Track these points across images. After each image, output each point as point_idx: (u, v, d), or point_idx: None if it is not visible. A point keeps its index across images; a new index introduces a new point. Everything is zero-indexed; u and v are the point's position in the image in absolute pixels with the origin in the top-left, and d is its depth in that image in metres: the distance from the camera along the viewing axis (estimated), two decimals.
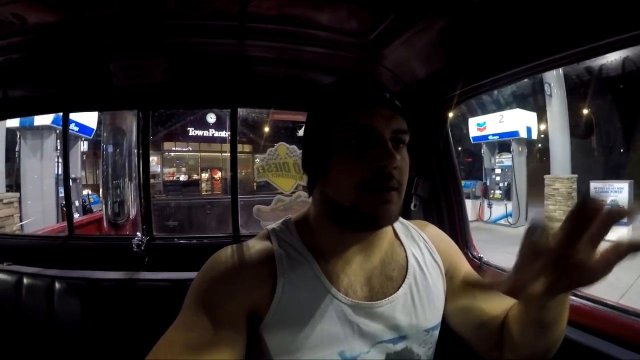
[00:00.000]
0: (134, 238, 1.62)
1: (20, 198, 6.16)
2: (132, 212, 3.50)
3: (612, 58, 8.93)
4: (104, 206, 3.71)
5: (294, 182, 1.70)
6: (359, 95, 0.69)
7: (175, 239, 1.83)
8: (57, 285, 1.45)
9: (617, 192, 8.07)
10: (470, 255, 1.51)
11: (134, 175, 3.41)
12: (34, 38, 1.32)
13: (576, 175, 9.36)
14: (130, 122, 3.25)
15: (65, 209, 2.02)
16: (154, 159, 18.24)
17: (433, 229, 0.93)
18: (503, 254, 6.93)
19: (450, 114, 1.49)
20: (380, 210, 0.66)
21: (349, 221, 0.69)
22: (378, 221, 0.67)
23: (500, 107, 11.52)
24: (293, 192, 1.73)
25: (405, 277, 0.77)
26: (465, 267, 0.88)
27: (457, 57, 1.22)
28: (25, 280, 1.46)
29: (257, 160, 1.73)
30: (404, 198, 0.70)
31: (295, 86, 1.60)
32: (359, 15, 1.18)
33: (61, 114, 2.06)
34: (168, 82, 1.49)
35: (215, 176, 18.07)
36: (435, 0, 0.97)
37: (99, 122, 7.09)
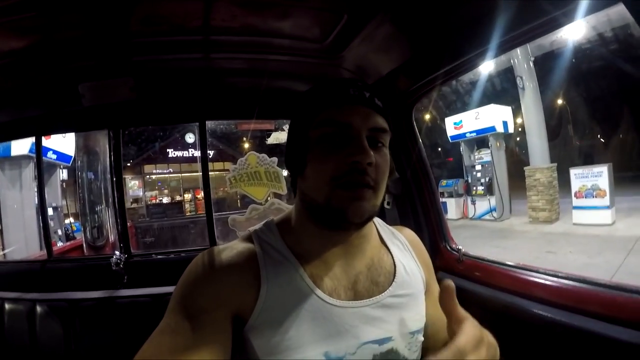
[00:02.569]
0: (112, 257, 1.61)
1: (1, 229, 6.03)
2: (112, 236, 3.45)
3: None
4: (82, 230, 3.65)
5: (267, 190, 1.71)
6: (337, 93, 0.70)
7: (153, 255, 1.82)
8: (38, 308, 1.44)
9: (596, 176, 8.22)
10: (448, 247, 1.52)
11: (110, 198, 3.37)
12: (2, 64, 1.32)
13: (555, 164, 9.55)
14: (103, 144, 3.20)
15: (43, 231, 2.00)
16: (135, 183, 18.03)
17: (412, 234, 0.94)
18: (490, 247, 7.07)
19: (427, 116, 1.53)
20: (351, 206, 0.66)
21: (322, 217, 0.70)
22: (348, 217, 0.67)
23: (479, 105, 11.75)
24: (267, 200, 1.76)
25: (392, 282, 0.77)
26: (435, 290, 0.88)
27: (413, 49, 1.26)
28: (6, 306, 1.46)
29: (229, 170, 1.73)
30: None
31: (262, 95, 1.62)
32: (315, 20, 1.22)
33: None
34: (136, 100, 1.50)
35: (198, 196, 17.83)
36: None
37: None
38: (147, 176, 19.08)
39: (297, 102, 0.77)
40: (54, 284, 1.63)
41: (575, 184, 8.47)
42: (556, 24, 0.91)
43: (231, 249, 0.73)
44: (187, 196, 18.81)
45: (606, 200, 7.97)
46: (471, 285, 1.27)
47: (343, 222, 0.68)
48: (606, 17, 7.54)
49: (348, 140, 0.67)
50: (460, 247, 1.48)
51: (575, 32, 8.58)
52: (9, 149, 6.28)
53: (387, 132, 0.72)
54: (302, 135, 0.72)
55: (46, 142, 6.54)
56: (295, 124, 0.76)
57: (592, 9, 0.82)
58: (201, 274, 0.68)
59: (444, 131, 12.56)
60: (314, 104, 0.72)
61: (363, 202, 0.66)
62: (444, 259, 1.48)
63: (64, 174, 8.13)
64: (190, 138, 17.89)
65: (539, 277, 1.09)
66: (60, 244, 6.32)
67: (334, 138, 0.68)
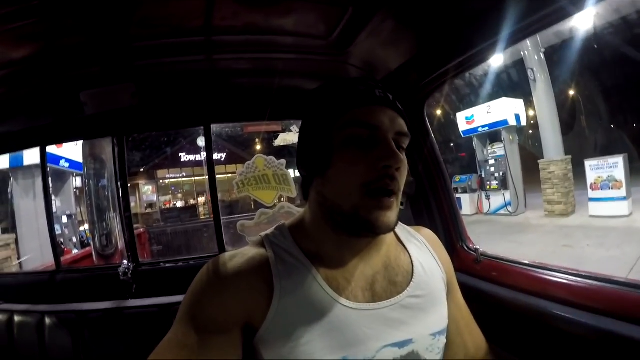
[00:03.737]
0: (120, 266, 1.60)
1: (16, 239, 6.13)
2: (121, 244, 3.47)
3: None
4: (91, 239, 3.68)
5: (276, 194, 1.68)
6: (365, 93, 0.68)
7: (162, 263, 1.81)
8: (47, 320, 1.45)
9: (612, 167, 8.07)
10: (466, 247, 1.47)
11: (118, 205, 3.39)
12: (4, 75, 1.31)
13: (570, 157, 9.41)
14: (109, 152, 3.20)
15: (51, 241, 2.01)
16: (149, 188, 18.27)
17: (430, 234, 0.91)
18: (506, 242, 6.97)
19: (439, 112, 1.49)
20: (380, 217, 0.64)
21: (347, 226, 0.68)
22: (377, 229, 0.65)
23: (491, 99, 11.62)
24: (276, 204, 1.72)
25: (410, 281, 0.74)
26: (456, 291, 0.88)
27: (422, 41, 1.21)
28: (16, 318, 1.46)
29: (236, 175, 1.71)
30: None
31: (268, 95, 1.59)
32: (320, 15, 1.18)
33: (51, 150, 2.08)
34: (139, 106, 1.48)
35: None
36: None
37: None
38: (161, 181, 19.33)
39: (315, 99, 0.74)
40: (62, 294, 1.64)
41: (591, 175, 8.33)
42: (568, 11, 0.86)
43: (242, 255, 0.71)
44: (201, 200, 19.05)
45: (622, 192, 7.83)
46: (490, 286, 1.22)
47: (370, 232, 0.67)
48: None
49: (376, 143, 0.65)
50: (477, 246, 1.42)
51: (587, 20, 8.41)
52: (21, 158, 6.41)
53: (409, 137, 0.71)
54: (325, 134, 0.68)
55: (58, 150, 6.66)
56: (316, 123, 0.72)
57: None
58: (210, 283, 0.66)
59: (456, 126, 12.46)
60: (339, 102, 0.69)
61: (390, 213, 0.65)
62: (461, 259, 1.43)
63: (77, 182, 8.25)
64: (201, 141, 18.01)
65: (562, 278, 1.04)
66: (75, 251, 6.42)
67: (363, 140, 0.65)
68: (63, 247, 6.42)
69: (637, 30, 11.92)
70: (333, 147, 0.67)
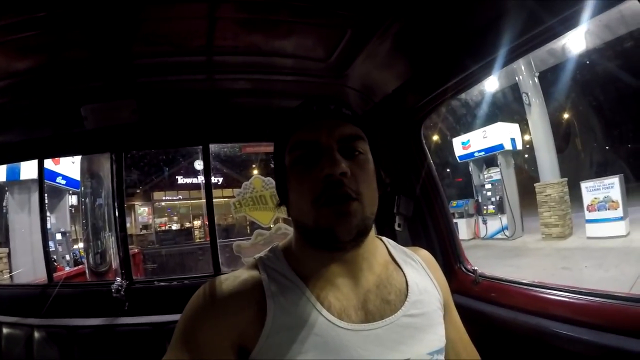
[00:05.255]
0: (113, 283, 1.57)
1: (9, 253, 6.06)
2: (114, 262, 3.42)
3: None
4: (85, 256, 3.64)
5: (273, 215, 1.68)
6: (302, 114, 0.71)
7: (155, 282, 1.78)
8: (36, 334, 1.43)
9: (608, 188, 8.16)
10: (463, 269, 1.46)
11: (114, 224, 3.36)
12: (6, 86, 1.32)
13: (566, 179, 9.48)
14: (107, 168, 3.21)
15: (44, 256, 1.99)
16: (145, 210, 18.17)
17: (427, 255, 0.90)
18: (504, 266, 6.93)
19: (435, 137, 1.51)
20: (338, 222, 0.64)
21: (315, 240, 0.69)
22: (338, 235, 0.65)
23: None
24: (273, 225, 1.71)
25: (405, 300, 0.73)
26: (453, 312, 0.87)
27: (418, 63, 1.24)
28: (4, 330, 1.45)
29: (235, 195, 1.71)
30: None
31: (267, 116, 1.60)
32: (319, 38, 1.20)
33: (48, 166, 2.08)
34: (138, 123, 1.49)
35: (207, 223, 17.86)
36: (387, 6, 0.99)
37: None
38: (157, 203, 19.26)
39: (273, 130, 0.79)
40: (53, 309, 1.61)
41: (587, 197, 8.40)
42: (562, 28, 0.88)
43: (235, 278, 0.71)
44: (197, 223, 18.96)
45: (619, 212, 7.89)
46: (489, 307, 1.21)
47: (334, 241, 0.67)
48: (619, 13, 7.50)
49: (320, 156, 0.66)
50: (475, 267, 1.41)
51: (579, 42, 8.60)
52: (18, 172, 6.38)
53: (361, 139, 0.71)
54: (280, 163, 0.73)
55: (55, 167, 6.65)
56: (274, 153, 0.77)
57: (605, 7, 0.80)
58: (203, 307, 0.67)
59: (452, 152, 12.57)
60: (283, 129, 0.73)
61: (350, 217, 0.65)
62: (459, 280, 1.42)
63: (73, 200, 8.21)
64: (199, 165, 18.05)
65: (561, 295, 1.04)
66: (67, 268, 6.33)
67: (306, 159, 0.68)
68: (56, 264, 6.34)
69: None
70: (286, 172, 0.71)
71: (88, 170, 3.38)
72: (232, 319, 0.65)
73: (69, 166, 6.95)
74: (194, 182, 19.18)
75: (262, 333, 0.64)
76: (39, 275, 5.65)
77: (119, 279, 1.61)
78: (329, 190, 0.64)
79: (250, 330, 0.64)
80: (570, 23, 0.85)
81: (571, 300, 1.00)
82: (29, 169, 6.22)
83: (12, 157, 1.83)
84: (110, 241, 3.46)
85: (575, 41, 8.48)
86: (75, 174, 7.14)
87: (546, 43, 0.95)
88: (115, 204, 1.73)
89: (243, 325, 0.64)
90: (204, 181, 1.88)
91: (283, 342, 0.63)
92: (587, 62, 13.31)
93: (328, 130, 0.68)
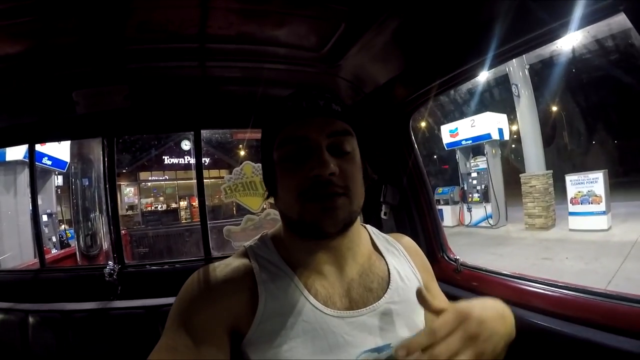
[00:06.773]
0: (106, 267, 1.59)
1: None
2: (105, 244, 3.41)
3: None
4: (76, 239, 3.61)
5: (262, 200, 1.70)
6: (292, 108, 0.72)
7: (147, 266, 1.79)
8: (30, 319, 1.43)
9: (592, 182, 8.32)
10: (446, 258, 1.51)
11: (104, 206, 3.34)
12: None
13: (551, 171, 9.62)
14: (97, 152, 3.17)
15: (36, 241, 1.97)
16: (131, 190, 17.93)
17: (409, 241, 0.93)
18: (487, 254, 7.06)
19: (423, 124, 1.53)
20: (324, 217, 0.67)
21: (301, 231, 0.72)
22: (323, 228, 0.68)
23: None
24: (263, 210, 1.73)
25: (387, 288, 0.76)
26: (434, 288, 0.90)
27: (411, 58, 1.26)
28: None
29: (225, 180, 1.71)
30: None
31: (258, 104, 1.61)
32: (313, 29, 1.21)
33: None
34: (130, 108, 1.48)
35: (193, 203, 17.71)
36: (381, 4, 1.00)
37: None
38: (143, 183, 18.99)
39: (262, 122, 0.79)
40: (46, 294, 1.61)
41: (571, 190, 8.56)
42: (554, 35, 0.92)
43: (226, 265, 0.74)
44: (183, 204, 18.77)
45: (602, 206, 8.07)
46: (470, 295, 1.25)
47: (319, 234, 0.69)
48: (607, 26, 7.59)
49: (309, 153, 0.68)
50: (458, 257, 1.46)
51: (572, 41, 8.65)
52: (3, 154, 6.25)
53: (350, 135, 0.73)
54: (268, 156, 0.75)
55: (41, 147, 6.50)
56: (261, 146, 0.78)
57: (592, 20, 0.82)
58: (197, 291, 0.69)
59: (440, 139, 12.62)
60: (272, 124, 0.74)
61: (336, 211, 0.67)
62: (441, 269, 1.46)
63: (59, 180, 8.07)
64: (186, 145, 17.85)
65: (538, 287, 1.09)
66: (54, 251, 6.26)
67: (295, 154, 0.69)
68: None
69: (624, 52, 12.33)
70: (274, 169, 0.72)
71: (78, 153, 3.34)
72: (226, 304, 0.67)
73: (55, 147, 6.81)
74: (180, 162, 19.01)
75: (255, 319, 0.67)
76: (25, 259, 5.60)
77: (111, 262, 1.62)
78: (315, 188, 0.66)
79: (243, 315, 0.67)
80: (564, 29, 0.87)
81: (547, 292, 1.05)
82: (14, 151, 6.12)
83: (2, 141, 1.80)
84: (100, 224, 3.44)
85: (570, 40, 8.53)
86: (62, 155, 7.02)
87: (542, 46, 0.98)
88: (107, 188, 1.72)
89: (236, 310, 0.67)
90: (195, 165, 1.88)
91: (274, 328, 0.66)
92: (581, 58, 13.40)
93: (317, 126, 0.69)
